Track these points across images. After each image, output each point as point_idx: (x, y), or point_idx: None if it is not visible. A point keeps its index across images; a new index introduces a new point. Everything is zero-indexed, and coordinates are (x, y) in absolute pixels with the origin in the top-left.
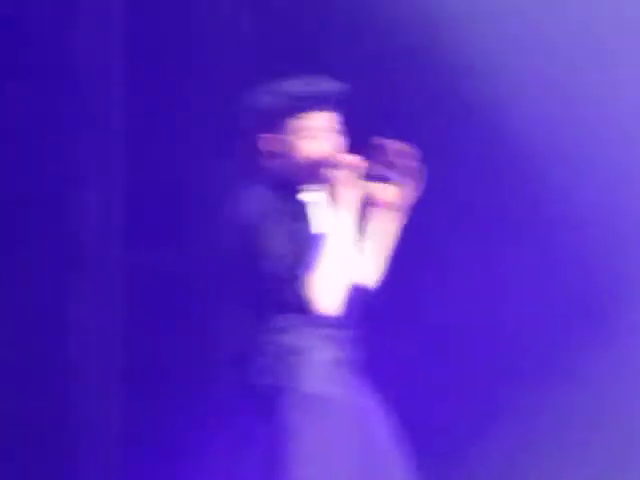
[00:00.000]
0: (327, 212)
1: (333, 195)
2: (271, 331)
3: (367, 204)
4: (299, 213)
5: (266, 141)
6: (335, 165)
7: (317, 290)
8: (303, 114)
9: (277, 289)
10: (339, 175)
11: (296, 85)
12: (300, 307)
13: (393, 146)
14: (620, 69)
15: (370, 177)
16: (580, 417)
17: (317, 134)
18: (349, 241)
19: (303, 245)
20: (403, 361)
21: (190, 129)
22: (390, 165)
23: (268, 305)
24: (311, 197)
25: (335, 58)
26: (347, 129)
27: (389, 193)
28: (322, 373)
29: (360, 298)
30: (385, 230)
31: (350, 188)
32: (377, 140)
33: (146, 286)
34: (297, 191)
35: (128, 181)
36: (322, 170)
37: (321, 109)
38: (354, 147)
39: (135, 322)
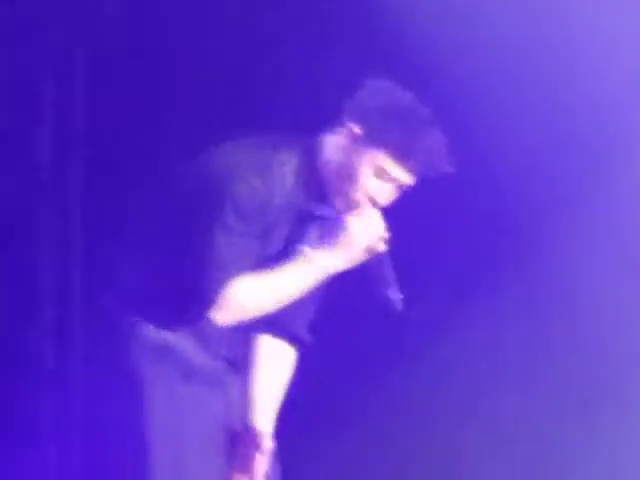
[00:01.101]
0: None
1: (336, 244)
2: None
3: None
4: (295, 217)
5: (351, 134)
6: (364, 222)
7: (232, 300)
8: (397, 162)
9: (197, 273)
10: (361, 235)
11: (425, 135)
12: (201, 307)
13: None
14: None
15: None
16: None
17: (390, 181)
18: (301, 289)
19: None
20: None
21: None
22: None
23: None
24: (319, 216)
25: None
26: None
27: None
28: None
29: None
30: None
31: (357, 255)
32: None
33: None
34: (317, 199)
35: None
36: (354, 213)
37: (414, 172)
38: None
39: None
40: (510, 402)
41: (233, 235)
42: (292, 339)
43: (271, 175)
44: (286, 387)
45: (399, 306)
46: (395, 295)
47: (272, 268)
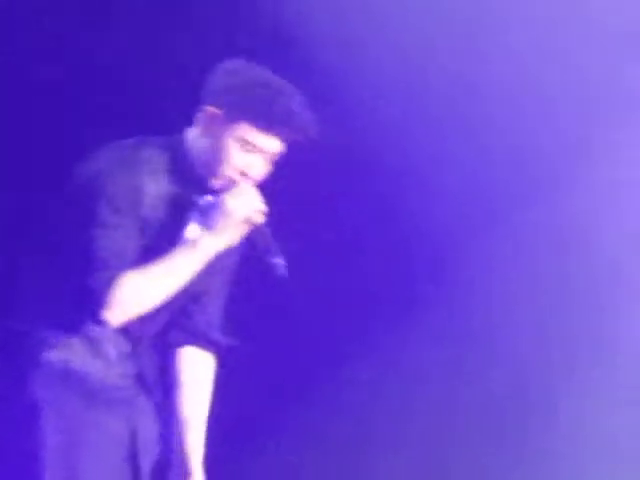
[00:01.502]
0: (195, 231)
1: (215, 224)
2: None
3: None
4: (174, 211)
5: (211, 116)
6: (239, 197)
7: (122, 296)
8: (260, 130)
9: (82, 276)
10: (234, 209)
11: (275, 97)
12: (92, 308)
13: None
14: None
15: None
16: None
17: (258, 153)
18: (185, 275)
19: (149, 244)
20: None
21: None
22: None
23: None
24: (198, 204)
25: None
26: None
27: None
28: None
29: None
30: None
31: (232, 231)
32: None
33: None
34: (192, 188)
35: None
36: (228, 187)
37: (279, 136)
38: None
39: None
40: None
41: (109, 229)
42: (212, 345)
43: (140, 171)
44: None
45: (283, 271)
46: (278, 261)
47: (156, 260)
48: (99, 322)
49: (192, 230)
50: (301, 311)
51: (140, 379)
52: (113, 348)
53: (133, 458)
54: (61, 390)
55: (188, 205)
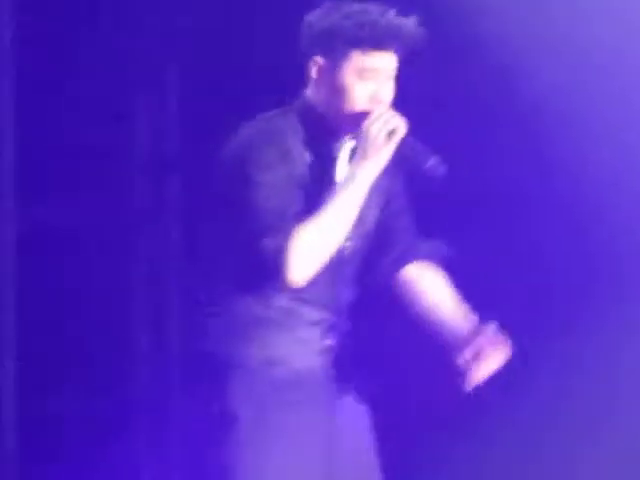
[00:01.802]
0: (348, 169)
1: (359, 155)
2: (236, 297)
3: None
4: (319, 163)
5: (317, 68)
6: (378, 122)
7: (297, 256)
8: (368, 51)
9: (253, 241)
10: (375, 136)
11: (369, 15)
12: (273, 268)
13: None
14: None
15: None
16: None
17: (374, 77)
18: (351, 212)
19: (307, 201)
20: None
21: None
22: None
23: (238, 265)
24: (342, 148)
25: None
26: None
27: None
28: (288, 356)
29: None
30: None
31: (380, 155)
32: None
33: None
34: (328, 139)
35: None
36: (364, 121)
37: (388, 49)
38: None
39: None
40: None
41: (267, 188)
42: (435, 255)
43: (282, 135)
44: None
45: (442, 170)
46: (433, 163)
47: (318, 207)
48: (285, 286)
49: (342, 174)
50: None
51: (336, 353)
52: (308, 324)
53: (330, 446)
54: (259, 397)
55: (333, 154)
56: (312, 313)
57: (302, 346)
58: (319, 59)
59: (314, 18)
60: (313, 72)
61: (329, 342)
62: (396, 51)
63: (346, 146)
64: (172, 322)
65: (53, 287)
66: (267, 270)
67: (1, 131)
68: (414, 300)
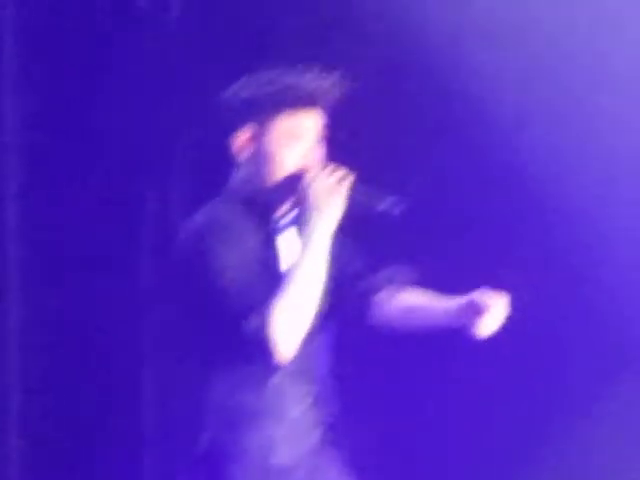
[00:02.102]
0: (300, 238)
1: (311, 215)
2: (221, 384)
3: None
4: (269, 237)
5: (241, 142)
6: (323, 175)
7: (280, 329)
8: (294, 112)
9: (232, 327)
10: (322, 191)
11: (290, 77)
12: (258, 349)
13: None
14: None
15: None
16: None
17: (302, 137)
18: (321, 272)
19: (268, 276)
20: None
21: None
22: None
23: (218, 349)
24: (285, 221)
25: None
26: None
27: None
28: (285, 440)
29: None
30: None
31: (333, 207)
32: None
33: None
34: (270, 211)
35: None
36: (303, 183)
37: (314, 109)
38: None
39: None
40: None
41: (230, 273)
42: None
43: (226, 219)
44: None
45: (397, 209)
46: (388, 202)
47: (287, 272)
48: (273, 364)
49: (290, 246)
50: None
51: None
52: (297, 410)
53: None
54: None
55: (279, 228)
56: (299, 388)
57: (295, 427)
58: (246, 131)
59: (233, 93)
60: (240, 145)
61: (320, 415)
62: (321, 109)
63: (289, 217)
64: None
65: None
66: (253, 353)
67: None
68: (399, 314)
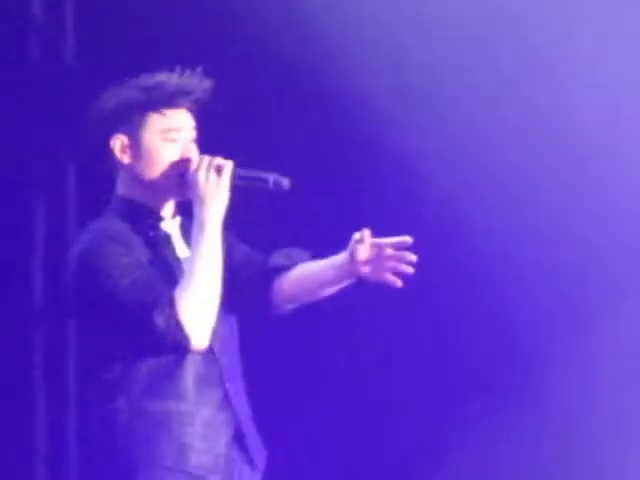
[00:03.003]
0: (191, 232)
1: (197, 208)
2: (125, 389)
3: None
4: (161, 235)
5: (119, 147)
6: (202, 167)
7: (188, 319)
8: (164, 111)
9: (137, 325)
10: (204, 183)
11: (156, 78)
12: (166, 343)
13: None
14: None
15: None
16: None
17: (178, 136)
18: (217, 259)
19: (165, 273)
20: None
21: None
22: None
23: (121, 352)
24: (170, 224)
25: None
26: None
27: None
28: (197, 443)
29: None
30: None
31: (217, 197)
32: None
33: None
34: (158, 210)
35: None
36: (187, 177)
37: (182, 106)
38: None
39: None
40: None
41: (127, 274)
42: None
43: (114, 231)
44: None
45: (286, 182)
46: (274, 179)
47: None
48: (187, 351)
49: (181, 248)
50: None
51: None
52: (208, 411)
53: None
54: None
55: (165, 233)
56: (209, 389)
57: (207, 429)
58: (120, 136)
59: (102, 102)
60: (118, 151)
61: (231, 416)
62: (189, 107)
63: (174, 222)
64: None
65: None
66: (166, 345)
67: None
68: (295, 286)
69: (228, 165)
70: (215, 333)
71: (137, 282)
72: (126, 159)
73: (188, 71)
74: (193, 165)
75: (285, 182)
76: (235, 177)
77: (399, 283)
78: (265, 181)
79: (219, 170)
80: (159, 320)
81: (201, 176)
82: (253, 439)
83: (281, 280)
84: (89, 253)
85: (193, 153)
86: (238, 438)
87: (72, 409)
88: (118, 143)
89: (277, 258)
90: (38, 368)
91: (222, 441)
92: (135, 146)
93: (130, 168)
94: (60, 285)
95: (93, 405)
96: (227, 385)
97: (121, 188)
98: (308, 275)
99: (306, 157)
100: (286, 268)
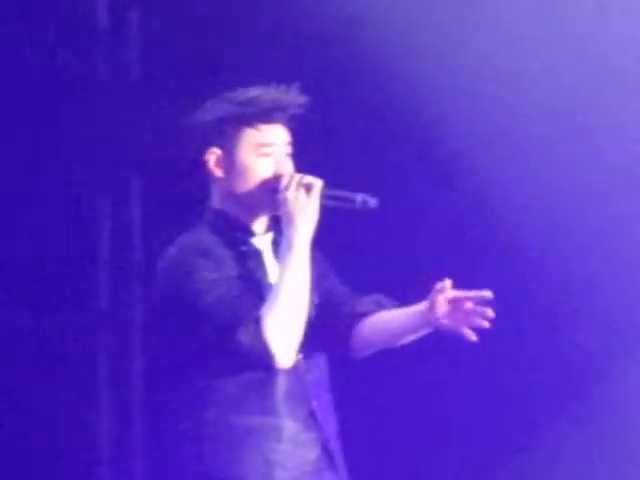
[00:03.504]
0: (280, 250)
1: (287, 227)
2: (213, 402)
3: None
4: (251, 252)
5: (213, 160)
6: (292, 185)
7: (273, 338)
8: (259, 126)
9: (222, 341)
10: (294, 202)
11: (251, 93)
12: (252, 361)
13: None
14: None
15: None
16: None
17: (273, 151)
18: (305, 279)
19: (253, 290)
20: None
21: None
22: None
23: (207, 365)
24: (262, 239)
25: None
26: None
27: None
28: (284, 459)
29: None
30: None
31: (307, 217)
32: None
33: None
34: (249, 225)
35: None
36: (279, 193)
37: (277, 122)
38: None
39: None
40: None
41: (214, 290)
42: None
43: (204, 244)
44: None
45: (373, 202)
46: (361, 199)
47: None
48: (273, 369)
49: (272, 266)
50: None
51: (324, 446)
52: (294, 428)
53: None
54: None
55: (257, 249)
56: (296, 407)
57: (293, 446)
58: (215, 149)
59: (199, 116)
60: (212, 164)
61: (318, 433)
62: (285, 123)
63: (266, 238)
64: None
65: None
66: (251, 363)
67: None
68: (375, 332)
69: (317, 184)
70: (301, 350)
71: (223, 299)
72: (220, 173)
73: (284, 86)
74: (283, 183)
75: (372, 202)
76: (324, 196)
77: (474, 338)
78: (353, 201)
79: (309, 188)
80: (244, 338)
81: (291, 194)
82: (340, 457)
83: (362, 325)
84: (177, 266)
85: (287, 168)
86: (325, 455)
87: (137, 417)
88: (213, 157)
89: (368, 305)
90: (103, 374)
91: (309, 457)
92: (229, 160)
93: (224, 182)
94: (125, 291)
95: (179, 416)
96: (313, 402)
97: (215, 201)
98: (388, 323)
99: (397, 178)
100: (372, 314)
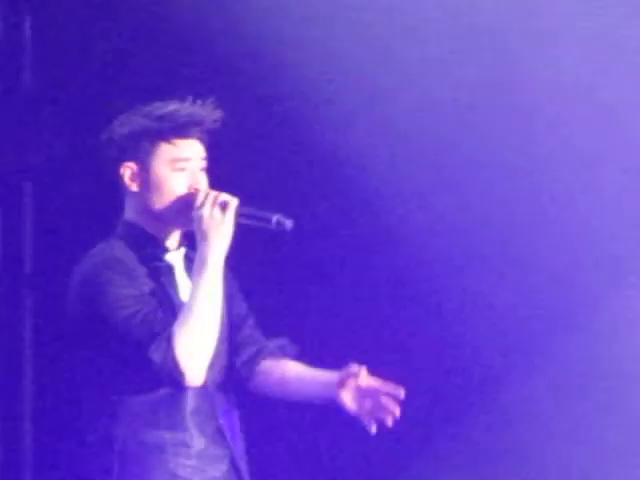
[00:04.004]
0: (193, 267)
1: (200, 244)
2: (123, 417)
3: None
4: (163, 268)
5: (128, 174)
6: (207, 203)
7: (184, 357)
8: (174, 140)
9: (134, 358)
10: (208, 220)
11: (168, 107)
12: (162, 378)
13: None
14: None
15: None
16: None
17: (188, 165)
18: (217, 297)
19: (165, 306)
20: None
21: None
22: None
23: (118, 380)
24: (174, 255)
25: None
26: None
27: None
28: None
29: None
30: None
31: (221, 235)
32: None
33: None
34: (163, 241)
35: None
36: (194, 210)
37: (193, 136)
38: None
39: None
40: None
41: (127, 306)
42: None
43: (116, 259)
44: None
45: (289, 223)
46: (277, 219)
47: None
48: (183, 387)
49: (183, 280)
50: None
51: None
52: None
53: None
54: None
55: (169, 264)
56: (204, 423)
57: (207, 462)
58: (130, 164)
59: (113, 129)
60: (127, 178)
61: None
62: (199, 137)
63: (178, 253)
64: None
65: None
66: (162, 380)
67: None
68: (276, 384)
69: (233, 202)
70: (211, 368)
71: (136, 315)
72: (134, 187)
73: (199, 101)
74: (198, 200)
75: (288, 223)
76: (239, 215)
77: (374, 430)
78: (268, 221)
79: (224, 207)
80: (155, 356)
81: (205, 212)
82: (247, 474)
83: (265, 368)
84: (90, 281)
85: (202, 183)
86: (233, 472)
87: (28, 430)
88: (128, 171)
89: (271, 347)
90: None
91: (217, 474)
92: (144, 174)
93: (138, 196)
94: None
95: (89, 429)
96: (220, 420)
97: (129, 214)
98: (293, 379)
99: (312, 199)
100: (275, 357)
